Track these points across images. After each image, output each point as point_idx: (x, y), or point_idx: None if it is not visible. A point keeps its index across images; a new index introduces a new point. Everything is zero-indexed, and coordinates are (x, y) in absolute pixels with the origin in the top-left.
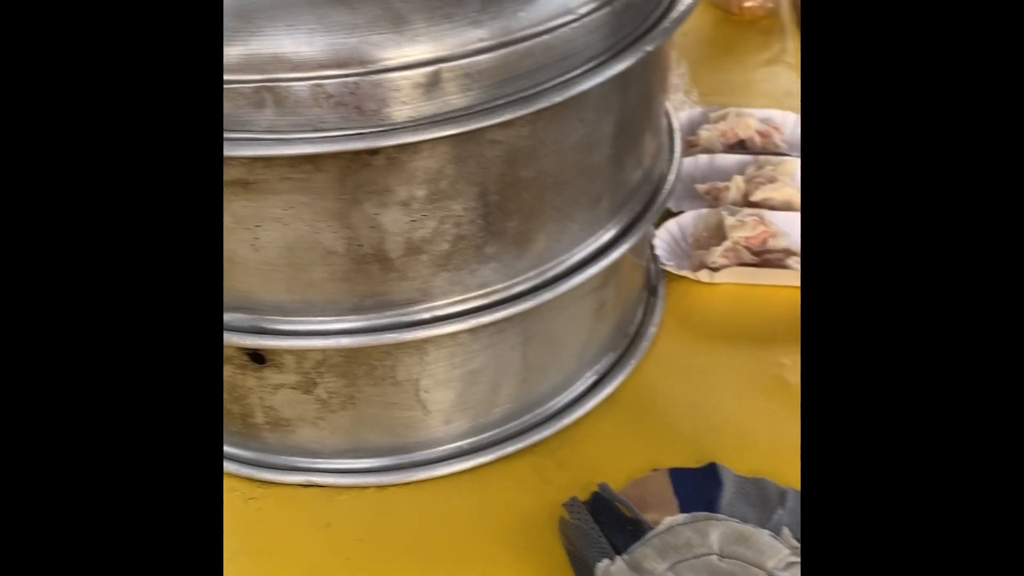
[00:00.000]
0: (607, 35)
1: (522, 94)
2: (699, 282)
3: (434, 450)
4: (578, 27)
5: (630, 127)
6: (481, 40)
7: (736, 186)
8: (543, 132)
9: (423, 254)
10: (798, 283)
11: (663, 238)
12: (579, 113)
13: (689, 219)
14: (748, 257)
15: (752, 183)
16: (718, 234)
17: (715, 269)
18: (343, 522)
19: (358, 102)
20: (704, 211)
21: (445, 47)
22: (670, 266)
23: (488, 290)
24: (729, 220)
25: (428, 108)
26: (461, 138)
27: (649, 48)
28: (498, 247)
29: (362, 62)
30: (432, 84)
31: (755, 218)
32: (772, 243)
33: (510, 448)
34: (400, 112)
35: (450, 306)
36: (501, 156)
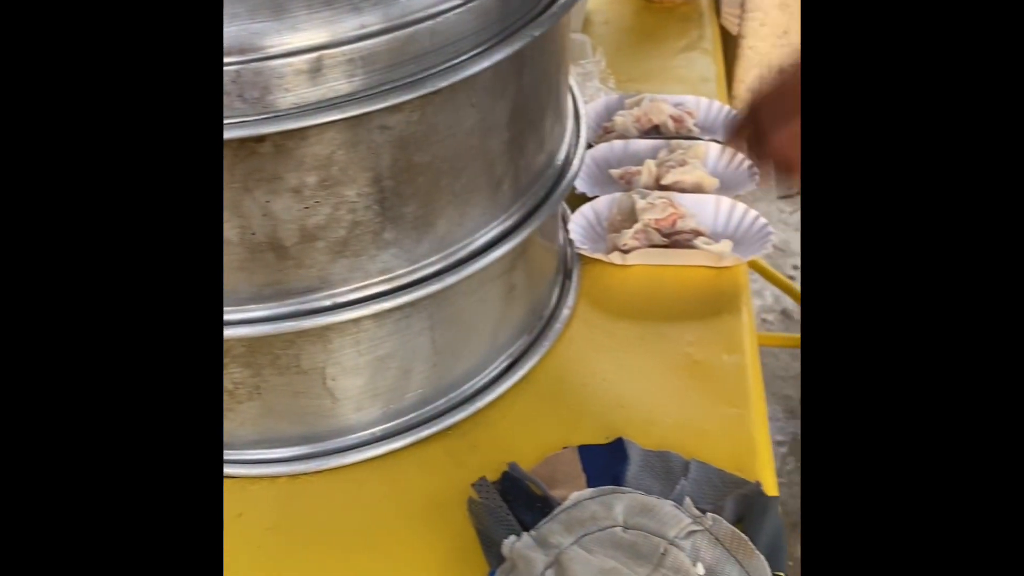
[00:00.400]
0: (494, 20)
1: (408, 79)
2: (612, 264)
3: (346, 438)
4: (463, 12)
5: (528, 112)
6: (363, 27)
7: (648, 170)
8: (434, 117)
9: (319, 241)
10: (704, 262)
11: (578, 222)
12: (471, 98)
13: (603, 203)
14: (658, 239)
15: (663, 167)
16: (631, 217)
17: (627, 251)
18: (255, 512)
19: (240, 90)
20: (617, 195)
21: (326, 34)
22: (584, 249)
23: (390, 276)
24: (640, 203)
25: (312, 95)
26: (349, 124)
27: (536, 33)
28: (397, 232)
29: (243, 50)
30: (315, 71)
31: (664, 200)
32: (681, 224)
33: (423, 432)
34: (284, 99)
35: (351, 293)
36: (392, 141)
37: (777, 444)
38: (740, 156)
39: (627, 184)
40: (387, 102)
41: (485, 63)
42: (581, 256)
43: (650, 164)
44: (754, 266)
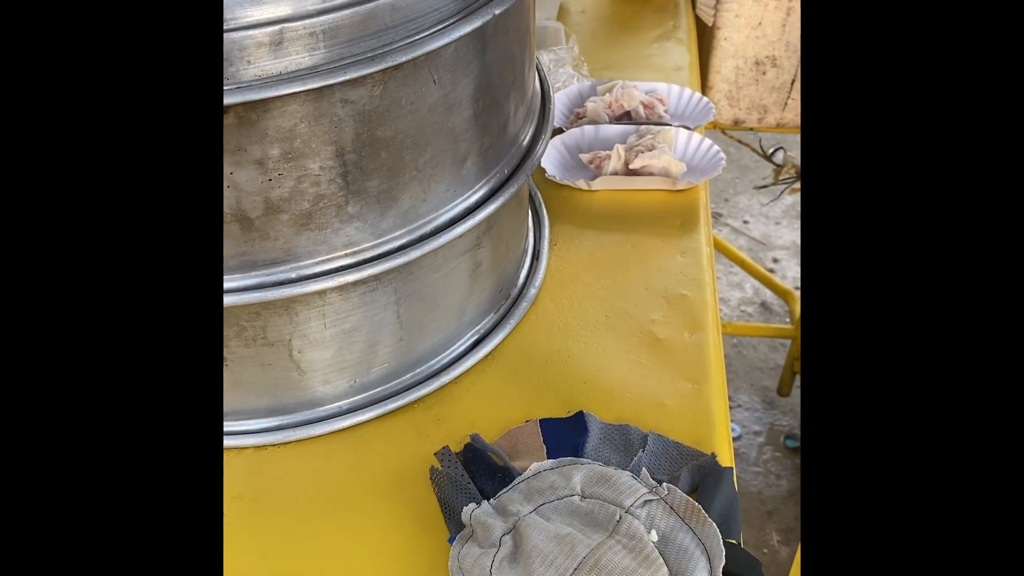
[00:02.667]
0: None
1: (370, 54)
2: (581, 241)
3: (314, 410)
4: None
5: (492, 90)
6: (325, 1)
7: (616, 154)
8: (396, 92)
9: (283, 213)
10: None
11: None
12: (433, 74)
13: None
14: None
15: (632, 151)
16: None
17: (592, 180)
18: None
19: None
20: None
21: (288, 7)
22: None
23: (354, 249)
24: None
25: (275, 67)
26: (311, 97)
27: (497, 11)
28: (361, 206)
29: None
30: (277, 43)
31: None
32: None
33: (390, 406)
34: (247, 71)
35: (316, 265)
36: (355, 115)
37: (755, 434)
38: (708, 142)
39: (596, 168)
40: (348, 75)
41: (445, 39)
42: (550, 236)
43: (619, 149)
44: (734, 259)
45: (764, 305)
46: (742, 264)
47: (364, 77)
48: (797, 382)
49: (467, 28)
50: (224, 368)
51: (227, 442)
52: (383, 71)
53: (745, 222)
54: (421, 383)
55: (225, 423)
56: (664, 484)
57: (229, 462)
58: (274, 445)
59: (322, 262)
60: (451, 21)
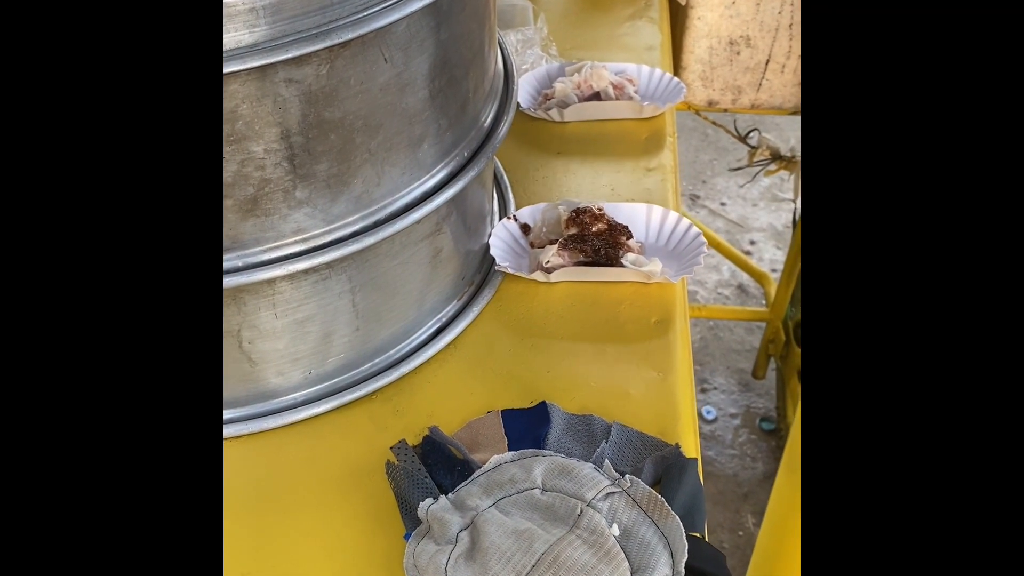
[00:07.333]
0: None
1: (315, 31)
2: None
3: (267, 403)
4: None
5: (449, 69)
6: None
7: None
8: (344, 72)
9: (227, 199)
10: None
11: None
12: (384, 52)
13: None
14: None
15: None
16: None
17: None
18: None
19: None
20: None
21: None
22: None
23: (304, 236)
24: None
25: None
26: (253, 76)
27: None
28: (310, 191)
29: None
30: None
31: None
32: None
33: (347, 398)
34: None
35: (263, 253)
36: (300, 96)
37: (731, 416)
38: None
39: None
40: (291, 53)
41: (396, 15)
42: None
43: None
44: (711, 241)
45: (741, 287)
46: (718, 247)
47: (309, 55)
48: (772, 365)
49: (419, 3)
50: None
51: None
52: (329, 49)
53: (722, 204)
54: (379, 374)
55: None
56: (627, 476)
57: None
58: (227, 439)
59: (270, 249)
60: None
